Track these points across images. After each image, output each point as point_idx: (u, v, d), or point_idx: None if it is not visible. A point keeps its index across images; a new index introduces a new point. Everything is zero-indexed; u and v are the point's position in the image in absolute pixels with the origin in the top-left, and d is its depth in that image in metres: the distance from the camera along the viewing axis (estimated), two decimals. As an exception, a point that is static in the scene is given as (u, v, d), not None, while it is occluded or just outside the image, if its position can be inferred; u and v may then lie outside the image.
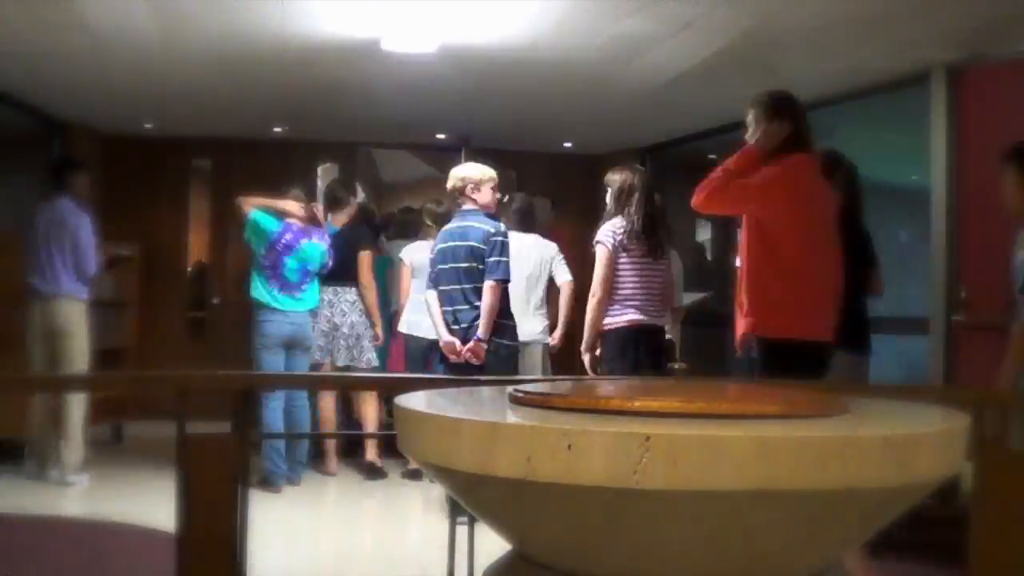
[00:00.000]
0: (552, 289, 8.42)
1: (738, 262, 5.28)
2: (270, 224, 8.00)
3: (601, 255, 6.65)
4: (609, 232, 6.70)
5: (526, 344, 7.95)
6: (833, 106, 8.82)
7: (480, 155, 11.14)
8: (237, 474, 3.77)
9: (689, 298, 9.43)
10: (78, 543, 6.03)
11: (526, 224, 8.49)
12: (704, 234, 12.21)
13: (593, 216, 11.97)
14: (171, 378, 3.96)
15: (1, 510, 6.60)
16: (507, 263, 6.93)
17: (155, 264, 10.44)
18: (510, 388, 2.24)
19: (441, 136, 11.45)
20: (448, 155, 12.15)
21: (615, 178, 7.02)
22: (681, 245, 11.68)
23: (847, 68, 7.69)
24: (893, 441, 1.79)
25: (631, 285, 6.63)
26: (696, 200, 5.19)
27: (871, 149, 10.54)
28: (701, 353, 10.20)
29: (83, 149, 10.83)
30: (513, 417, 1.95)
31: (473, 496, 2.12)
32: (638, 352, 6.54)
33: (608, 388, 2.32)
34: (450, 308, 7.00)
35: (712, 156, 11.53)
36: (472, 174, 7.07)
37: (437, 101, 9.44)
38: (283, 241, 7.99)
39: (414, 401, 2.15)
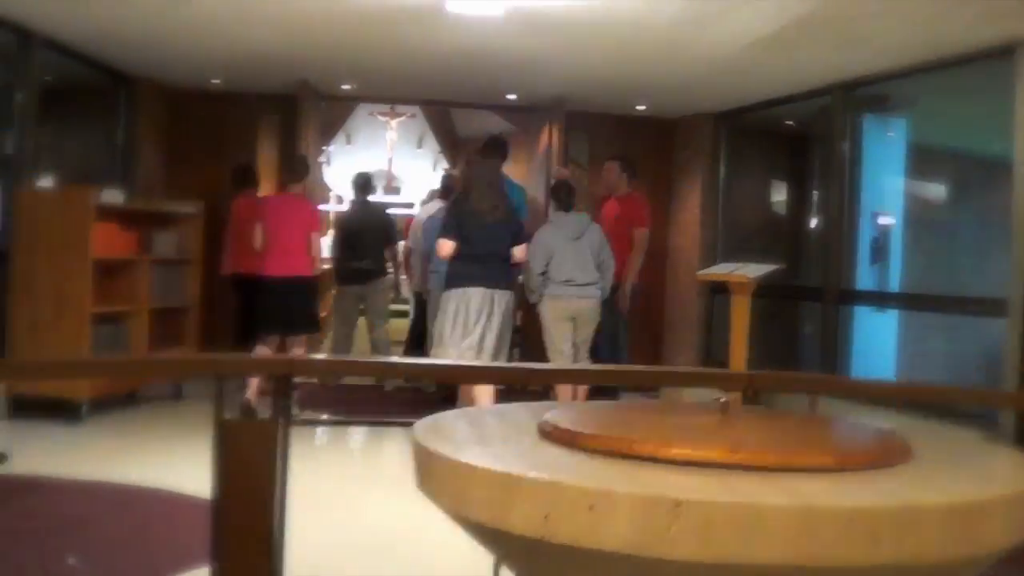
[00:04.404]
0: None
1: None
2: None
3: None
4: None
5: None
6: (914, 75, 8.53)
7: (551, 115, 10.99)
8: (276, 463, 3.63)
9: (757, 270, 9.16)
10: (118, 508, 5.95)
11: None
12: (779, 194, 11.86)
13: (664, 180, 11.79)
14: (207, 361, 3.81)
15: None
16: None
17: (219, 222, 10.31)
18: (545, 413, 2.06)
19: (512, 97, 11.22)
20: (524, 113, 11.98)
21: None
22: (754, 209, 11.46)
23: (931, 38, 7.40)
24: (958, 508, 1.59)
25: None
26: None
27: (953, 119, 10.24)
28: (771, 330, 9.95)
29: (148, 102, 10.77)
30: (533, 465, 1.77)
31: (491, 542, 1.95)
32: None
33: (645, 423, 2.12)
34: None
35: (789, 122, 11.25)
36: None
37: (506, 63, 9.21)
38: None
39: (430, 432, 1.97)
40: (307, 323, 9.14)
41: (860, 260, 9.66)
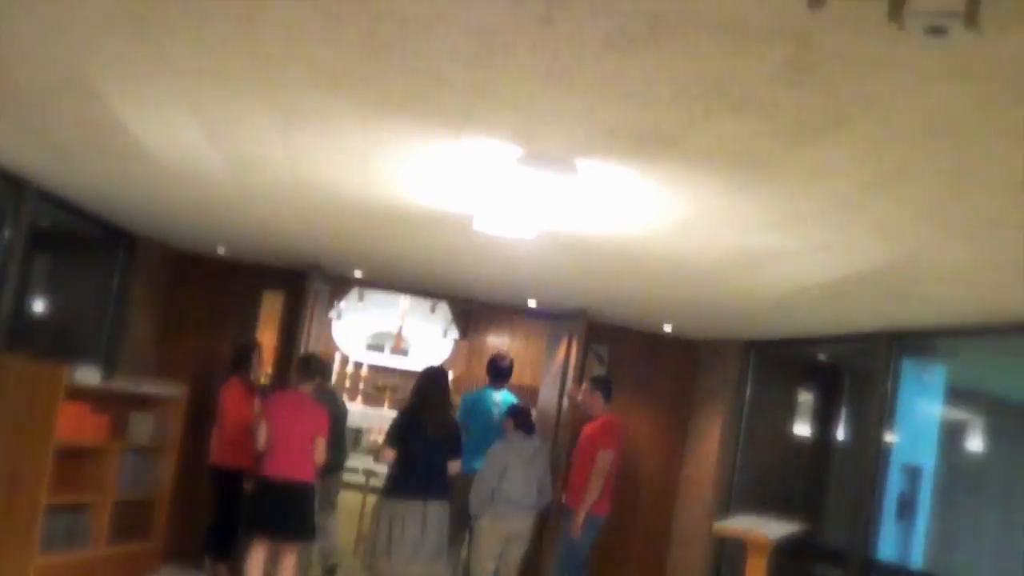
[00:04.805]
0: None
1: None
2: None
3: None
4: None
5: None
6: (964, 333, 7.88)
7: (572, 326, 10.37)
8: None
9: (777, 531, 8.40)
10: None
11: None
12: (804, 431, 10.99)
13: (683, 405, 11.09)
14: None
15: None
16: None
17: (206, 403, 9.60)
18: None
19: (532, 303, 10.61)
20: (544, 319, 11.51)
21: None
22: (777, 446, 10.67)
23: (990, 305, 6.74)
24: None
25: None
26: None
27: (996, 370, 9.60)
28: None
29: (148, 262, 10.17)
30: None
31: None
32: None
33: None
34: None
35: (822, 356, 10.55)
36: None
37: (529, 273, 8.66)
38: None
39: None
40: (307, 531, 8.60)
41: (885, 517, 8.87)
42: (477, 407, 9.91)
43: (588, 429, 9.59)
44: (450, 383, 9.18)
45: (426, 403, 8.65)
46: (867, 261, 6.05)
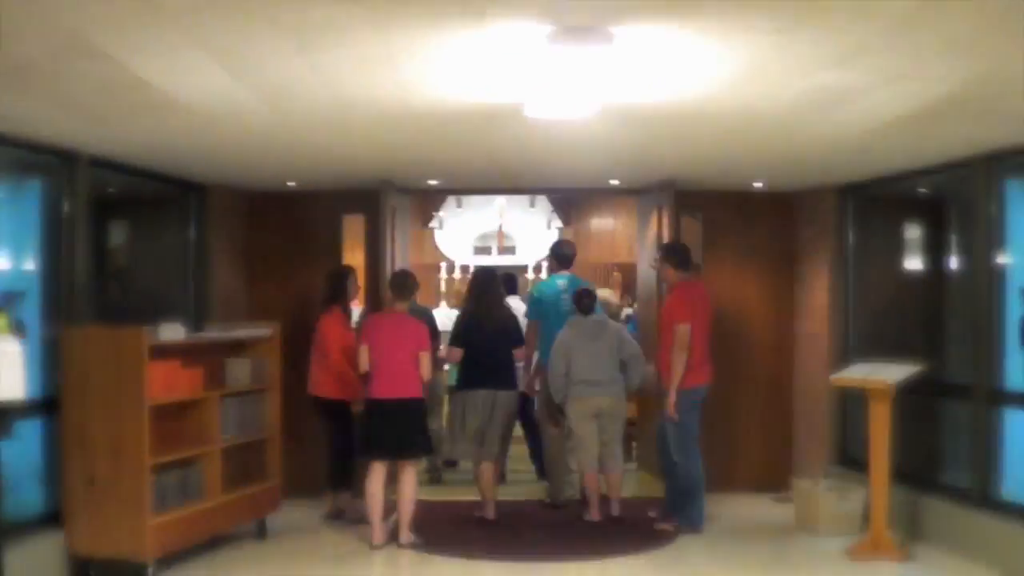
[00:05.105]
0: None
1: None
2: None
3: None
4: None
5: None
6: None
7: (660, 199, 10.06)
8: None
9: (897, 373, 8.10)
10: None
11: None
12: (914, 269, 10.46)
13: (787, 260, 10.71)
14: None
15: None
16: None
17: (306, 337, 9.52)
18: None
19: (614, 182, 10.31)
20: (632, 195, 11.25)
21: None
22: (888, 288, 10.25)
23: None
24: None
25: None
26: None
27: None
28: (910, 424, 8.78)
29: (220, 210, 10.06)
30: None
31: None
32: None
33: None
34: None
35: (923, 190, 10.04)
36: None
37: (604, 152, 8.37)
38: None
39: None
40: (422, 445, 8.66)
41: (1009, 345, 8.41)
42: (545, 295, 10.01)
43: (666, 302, 9.20)
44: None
45: (481, 302, 9.31)
46: (944, 84, 5.70)
